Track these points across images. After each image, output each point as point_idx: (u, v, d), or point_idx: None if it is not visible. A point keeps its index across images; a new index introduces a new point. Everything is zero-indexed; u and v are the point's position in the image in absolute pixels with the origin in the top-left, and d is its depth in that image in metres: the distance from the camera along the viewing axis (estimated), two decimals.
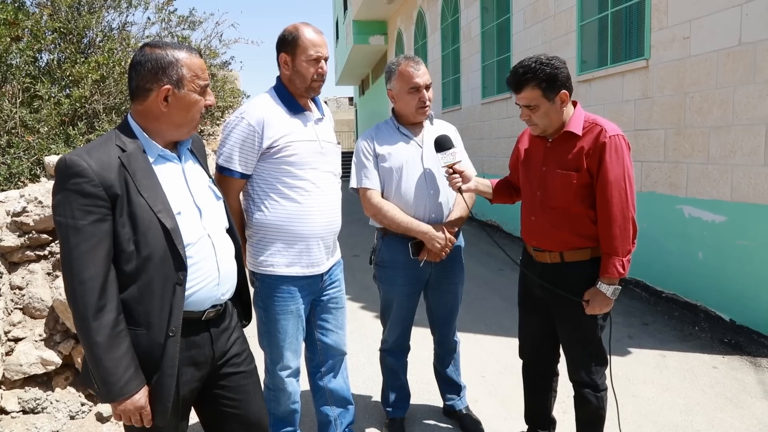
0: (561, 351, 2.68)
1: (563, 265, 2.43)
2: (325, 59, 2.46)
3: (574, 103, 2.40)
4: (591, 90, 6.51)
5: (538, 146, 2.50)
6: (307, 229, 2.45)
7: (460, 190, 2.65)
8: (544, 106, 2.30)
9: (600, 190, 2.28)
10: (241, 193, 2.51)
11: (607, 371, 2.53)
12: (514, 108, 8.67)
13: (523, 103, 2.33)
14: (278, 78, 2.53)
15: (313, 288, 2.57)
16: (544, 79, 2.26)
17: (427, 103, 2.82)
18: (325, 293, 2.65)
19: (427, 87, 2.81)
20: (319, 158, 2.49)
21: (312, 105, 2.57)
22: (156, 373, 1.67)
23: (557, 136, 2.39)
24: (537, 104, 2.30)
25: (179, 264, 1.68)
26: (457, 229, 2.86)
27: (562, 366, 2.70)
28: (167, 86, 1.69)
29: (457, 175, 2.63)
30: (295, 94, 2.48)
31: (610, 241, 2.28)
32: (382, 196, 2.86)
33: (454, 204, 2.91)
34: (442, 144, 2.66)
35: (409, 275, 2.92)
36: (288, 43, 2.42)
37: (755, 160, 4.32)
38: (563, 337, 2.54)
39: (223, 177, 2.38)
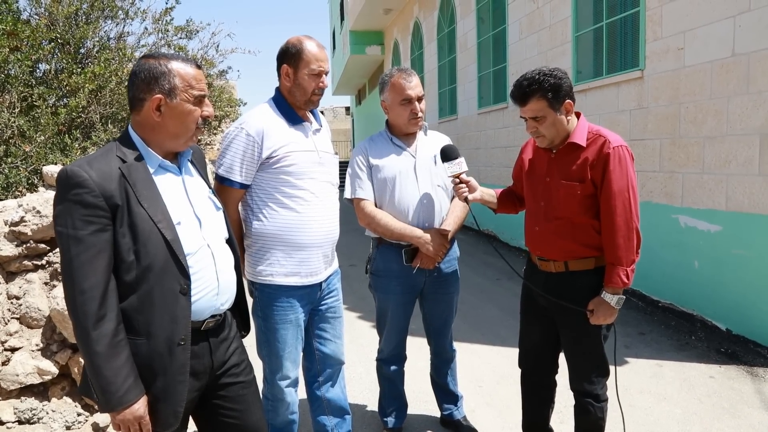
0: (560, 361, 2.69)
1: (568, 274, 2.44)
2: (326, 73, 2.48)
3: (578, 115, 2.42)
4: (587, 100, 6.55)
5: (542, 157, 2.52)
6: (305, 238, 2.46)
7: (466, 200, 2.66)
8: (550, 117, 2.32)
9: (604, 201, 2.29)
10: (239, 203, 2.52)
11: (611, 382, 2.54)
12: (510, 118, 8.72)
13: (530, 115, 2.34)
14: (277, 89, 2.55)
15: (312, 297, 2.58)
16: (549, 90, 2.27)
17: (419, 114, 2.84)
18: (323, 302, 2.65)
19: (420, 99, 2.83)
20: (317, 168, 2.50)
21: (310, 116, 2.60)
22: (155, 382, 1.68)
23: (561, 147, 2.41)
24: (544, 115, 2.31)
25: (182, 273, 1.69)
26: (451, 235, 2.87)
27: (560, 376, 2.71)
28: (158, 96, 1.70)
29: (463, 185, 2.64)
30: (294, 106, 2.50)
31: (615, 250, 2.29)
32: (377, 207, 2.88)
33: (448, 212, 2.93)
34: (448, 154, 2.67)
35: (403, 283, 2.93)
36: (291, 56, 2.44)
37: (750, 169, 4.35)
38: (566, 346, 2.54)
39: (223, 187, 2.39)
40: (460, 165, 2.65)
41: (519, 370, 2.81)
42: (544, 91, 2.28)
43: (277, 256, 2.45)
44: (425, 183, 2.86)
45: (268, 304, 2.49)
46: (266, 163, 2.40)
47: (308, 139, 2.51)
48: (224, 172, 2.39)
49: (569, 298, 2.41)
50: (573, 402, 2.58)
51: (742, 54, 4.34)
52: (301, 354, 2.67)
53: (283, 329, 2.50)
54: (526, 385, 2.80)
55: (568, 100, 2.33)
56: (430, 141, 2.96)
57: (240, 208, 2.53)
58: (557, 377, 2.75)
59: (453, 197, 2.99)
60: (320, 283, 2.58)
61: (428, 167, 2.87)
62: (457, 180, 2.65)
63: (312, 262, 2.50)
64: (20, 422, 3.16)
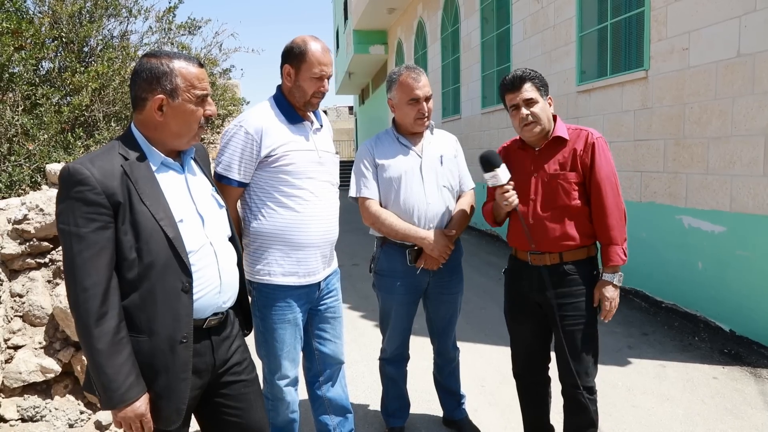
0: (549, 357, 2.75)
1: (562, 265, 2.51)
2: (329, 78, 2.46)
3: (554, 117, 2.57)
4: (590, 100, 6.53)
5: (522, 158, 2.59)
6: (304, 238, 2.45)
7: (515, 209, 2.50)
8: (540, 102, 2.47)
9: (595, 186, 2.45)
10: (238, 202, 2.51)
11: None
12: None
13: (525, 97, 2.45)
14: (278, 87, 2.54)
15: (310, 297, 2.57)
16: (537, 79, 2.49)
17: (426, 114, 2.83)
18: (322, 302, 2.65)
19: (427, 99, 2.82)
20: (317, 168, 2.49)
21: (311, 115, 2.58)
22: (158, 380, 1.68)
23: (546, 143, 2.52)
24: (536, 99, 2.46)
25: (184, 271, 1.69)
26: (455, 235, 2.86)
27: (552, 374, 2.73)
28: (160, 96, 1.69)
29: (514, 192, 2.48)
30: (294, 105, 2.49)
31: (609, 231, 2.44)
32: (382, 207, 2.87)
33: (453, 213, 2.92)
34: (492, 161, 2.44)
35: (407, 284, 2.92)
36: (294, 56, 2.42)
37: (754, 170, 4.33)
38: (565, 339, 2.53)
39: (221, 185, 2.36)
40: (506, 172, 2.48)
41: None
42: (534, 78, 2.48)
43: (275, 256, 2.44)
44: (431, 183, 2.84)
45: (266, 303, 2.48)
46: (265, 161, 2.39)
47: (308, 138, 2.50)
48: (222, 170, 2.37)
49: (565, 289, 2.49)
50: None
51: (747, 54, 4.32)
52: (301, 353, 2.66)
53: (281, 329, 2.50)
54: (523, 386, 2.81)
55: (549, 96, 2.54)
56: (436, 140, 2.95)
57: (238, 206, 2.53)
58: (550, 374, 2.77)
59: (458, 197, 2.98)
60: (318, 283, 2.57)
61: (434, 167, 2.86)
62: (509, 187, 2.47)
63: (310, 261, 2.49)
64: (23, 420, 3.17)
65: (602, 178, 2.43)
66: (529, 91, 2.45)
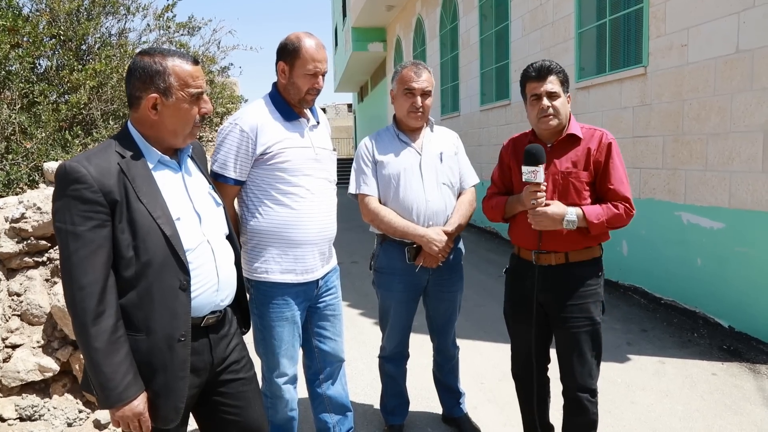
0: (549, 357, 2.74)
1: (568, 265, 2.48)
2: (323, 74, 2.45)
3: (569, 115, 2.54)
4: (589, 97, 6.53)
5: None
6: (301, 235, 2.44)
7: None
8: (562, 97, 2.45)
9: (608, 186, 2.44)
10: (235, 200, 2.51)
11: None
12: (512, 115, 8.70)
13: (549, 89, 2.42)
14: (274, 84, 2.53)
15: (308, 294, 2.57)
16: (561, 73, 2.47)
17: (420, 109, 2.81)
18: (321, 300, 2.64)
19: (425, 94, 2.81)
20: (313, 165, 2.48)
21: (307, 111, 2.57)
22: (155, 378, 1.68)
23: (560, 139, 2.49)
24: (558, 92, 2.43)
25: (181, 269, 1.68)
26: (453, 231, 2.84)
27: (551, 374, 2.73)
28: (154, 95, 1.69)
29: (545, 194, 2.41)
30: (289, 102, 2.49)
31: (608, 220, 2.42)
32: (381, 204, 2.86)
33: (453, 210, 2.91)
34: (539, 157, 2.34)
35: (406, 281, 2.92)
36: (288, 53, 2.41)
37: (753, 167, 4.33)
38: (568, 341, 2.51)
39: (218, 183, 2.34)
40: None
41: None
42: (558, 72, 2.46)
43: (273, 253, 2.44)
44: (430, 180, 2.84)
45: (264, 301, 2.48)
46: (261, 159, 2.38)
47: (304, 135, 2.49)
48: (218, 169, 2.37)
49: (568, 289, 2.47)
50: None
51: (746, 50, 4.32)
52: (300, 351, 2.66)
53: (279, 327, 2.49)
54: (523, 387, 2.78)
55: (569, 93, 2.50)
56: (436, 137, 2.95)
57: (236, 205, 2.52)
58: (550, 374, 2.76)
59: (458, 195, 2.97)
60: (317, 281, 2.57)
61: (434, 164, 2.85)
62: (544, 186, 2.40)
63: (308, 259, 2.49)
64: (21, 419, 3.16)
65: (617, 179, 2.44)
66: (553, 83, 2.43)
